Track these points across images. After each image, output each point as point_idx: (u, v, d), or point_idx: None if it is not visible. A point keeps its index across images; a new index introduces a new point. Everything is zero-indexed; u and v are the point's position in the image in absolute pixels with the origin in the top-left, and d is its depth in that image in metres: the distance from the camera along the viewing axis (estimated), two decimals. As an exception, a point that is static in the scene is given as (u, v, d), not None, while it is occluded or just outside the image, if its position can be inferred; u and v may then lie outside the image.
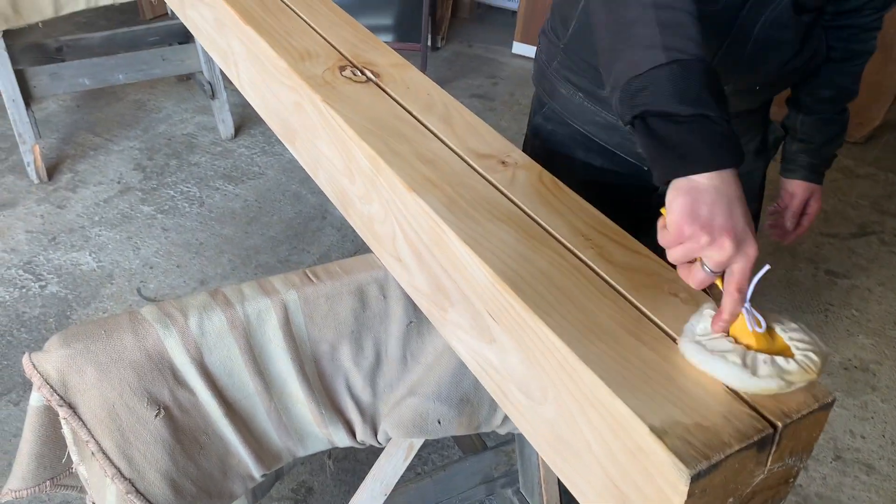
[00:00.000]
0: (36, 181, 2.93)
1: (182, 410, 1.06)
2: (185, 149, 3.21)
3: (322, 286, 1.10)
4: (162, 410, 1.04)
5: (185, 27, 1.69)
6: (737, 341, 0.75)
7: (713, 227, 0.76)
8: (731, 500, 0.69)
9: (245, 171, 3.08)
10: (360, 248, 2.70)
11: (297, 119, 1.20)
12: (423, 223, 0.93)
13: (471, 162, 1.00)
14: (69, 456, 1.05)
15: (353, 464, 1.96)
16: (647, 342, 0.75)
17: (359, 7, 3.97)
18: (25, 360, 0.98)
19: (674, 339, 0.76)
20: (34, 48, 2.99)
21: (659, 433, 0.65)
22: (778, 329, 0.76)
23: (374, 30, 4.13)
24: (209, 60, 3.10)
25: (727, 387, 0.71)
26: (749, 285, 0.76)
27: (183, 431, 1.07)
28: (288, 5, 1.33)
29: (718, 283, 0.79)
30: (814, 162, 1.46)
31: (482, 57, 4.28)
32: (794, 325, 0.77)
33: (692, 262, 0.80)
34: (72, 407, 0.99)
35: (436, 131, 1.05)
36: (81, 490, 1.11)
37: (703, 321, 0.77)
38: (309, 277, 1.10)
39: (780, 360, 0.71)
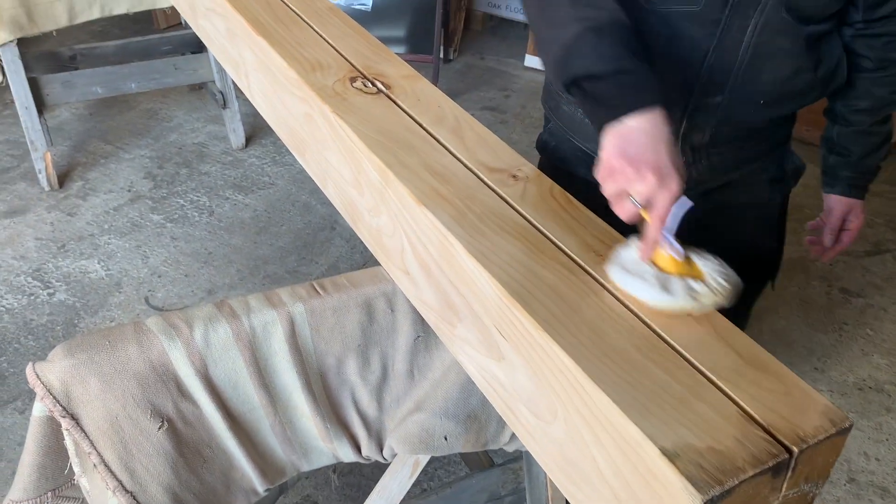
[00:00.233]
0: (47, 188, 2.93)
1: (186, 423, 1.05)
2: (196, 158, 3.21)
3: (329, 299, 1.08)
4: (165, 423, 1.02)
5: (197, 37, 1.69)
6: (659, 268, 0.83)
7: (638, 162, 0.86)
8: (744, 526, 0.67)
9: (255, 181, 3.08)
10: (369, 259, 2.70)
11: (306, 130, 1.19)
12: (431, 237, 0.92)
13: (481, 175, 0.98)
14: (71, 467, 1.04)
15: (359, 478, 1.95)
16: (659, 362, 0.73)
17: (371, 19, 3.97)
18: (29, 369, 0.97)
19: (687, 361, 0.74)
20: (48, 56, 3.00)
21: (671, 456, 0.64)
22: (696, 259, 0.85)
23: (387, 41, 4.13)
24: (221, 70, 3.11)
25: (645, 304, 0.79)
26: (669, 217, 0.84)
27: (186, 444, 1.06)
28: (300, 16, 1.32)
29: (647, 217, 0.86)
30: (852, 175, 1.39)
31: (494, 69, 4.28)
32: (711, 257, 0.86)
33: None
34: (74, 418, 0.98)
35: (446, 144, 1.03)
36: (83, 502, 1.10)
37: (630, 250, 0.86)
38: (316, 290, 1.09)
39: (692, 281, 0.81)
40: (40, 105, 2.83)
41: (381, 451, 1.20)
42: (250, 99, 1.43)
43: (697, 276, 0.83)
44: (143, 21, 4.15)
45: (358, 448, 1.19)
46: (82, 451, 1.01)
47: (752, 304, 1.53)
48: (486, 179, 0.98)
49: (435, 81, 3.88)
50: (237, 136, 3.27)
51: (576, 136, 1.37)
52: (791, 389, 0.71)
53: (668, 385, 0.71)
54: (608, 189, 0.90)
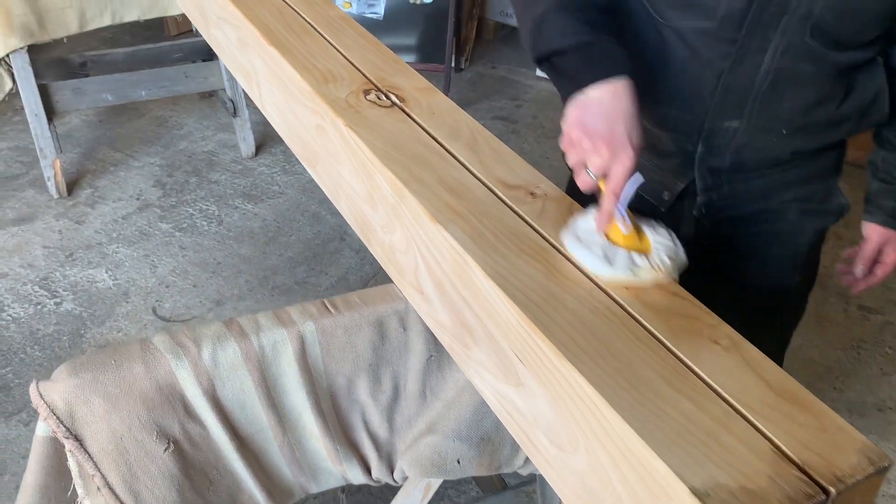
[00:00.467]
0: (55, 196, 2.92)
1: (192, 444, 1.02)
2: (206, 166, 3.19)
3: (340, 317, 1.06)
4: (171, 444, 1.00)
5: (208, 44, 1.67)
6: (609, 238, 0.87)
7: (594, 134, 0.89)
8: (777, 569, 0.64)
9: (265, 190, 3.06)
10: (379, 271, 2.67)
11: (319, 142, 1.17)
12: (447, 255, 0.89)
13: (498, 192, 0.96)
14: (75, 489, 1.01)
15: (367, 497, 1.91)
16: (687, 393, 0.70)
17: (383, 27, 3.96)
18: (32, 389, 0.95)
19: (716, 391, 0.71)
20: (58, 63, 2.98)
21: (700, 496, 0.61)
22: (648, 232, 0.89)
23: (398, 50, 4.11)
24: (232, 78, 3.09)
25: (588, 272, 0.83)
26: (622, 189, 0.86)
27: (192, 466, 1.03)
28: (312, 26, 1.30)
29: (602, 188, 0.89)
30: (894, 205, 1.26)
31: (506, 79, 4.25)
32: (664, 232, 0.89)
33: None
34: (78, 439, 0.95)
35: (462, 159, 1.01)
36: (86, 524, 1.08)
37: (586, 220, 0.89)
38: (327, 308, 1.06)
39: (636, 255, 0.84)
40: (50, 112, 2.81)
41: (392, 473, 1.17)
42: (262, 110, 1.41)
43: (644, 251, 0.86)
44: (154, 27, 4.14)
45: (368, 470, 1.16)
46: (86, 472, 0.98)
47: (785, 339, 1.41)
48: (503, 196, 0.95)
49: (446, 91, 3.86)
50: (247, 144, 3.25)
51: None
52: (826, 424, 0.68)
53: (697, 417, 0.68)
54: (570, 159, 0.93)
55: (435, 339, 1.08)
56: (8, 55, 2.65)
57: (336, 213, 2.86)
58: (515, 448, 1.17)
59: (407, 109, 1.10)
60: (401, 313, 1.09)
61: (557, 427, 0.77)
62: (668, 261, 0.85)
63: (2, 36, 2.60)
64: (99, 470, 0.97)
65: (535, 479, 1.47)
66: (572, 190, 0.98)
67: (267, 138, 3.37)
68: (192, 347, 0.99)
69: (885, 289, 2.79)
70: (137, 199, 2.96)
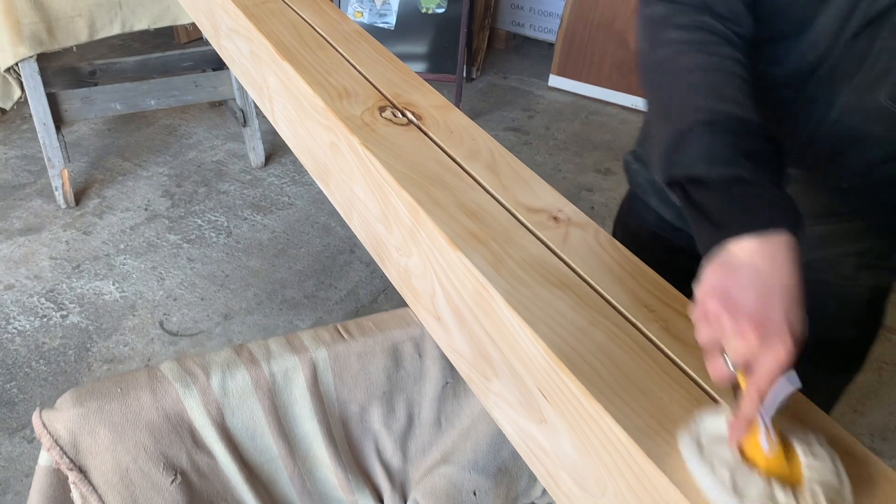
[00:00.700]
0: (63, 206, 2.89)
1: (200, 475, 0.98)
2: (215, 176, 3.17)
3: (354, 343, 1.02)
4: (179, 476, 0.96)
5: (218, 53, 1.64)
6: (744, 454, 0.64)
7: (740, 311, 0.67)
8: None
9: (274, 201, 3.03)
10: (388, 286, 2.63)
11: (332, 160, 1.13)
12: (466, 283, 0.85)
13: (519, 216, 0.92)
14: (77, 520, 0.97)
15: (377, 515, 1.87)
16: (725, 438, 0.66)
17: (395, 37, 3.93)
18: (35, 418, 0.91)
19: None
20: (67, 71, 2.96)
21: (743, 553, 0.57)
22: (799, 450, 0.64)
23: (409, 59, 4.10)
24: (242, 88, 3.06)
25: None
26: (770, 392, 0.64)
27: (200, 497, 0.99)
28: (326, 40, 1.27)
29: (742, 384, 0.67)
30: None
31: (518, 89, 4.21)
32: (822, 452, 0.64)
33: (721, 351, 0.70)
34: (82, 471, 0.92)
35: (481, 181, 0.97)
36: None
37: (716, 420, 0.67)
38: (340, 333, 1.03)
39: (777, 487, 0.61)
40: (58, 121, 2.79)
41: (405, 503, 1.13)
42: (273, 124, 1.38)
43: (792, 481, 0.62)
44: (163, 35, 4.12)
45: (380, 500, 1.12)
46: (89, 504, 0.95)
47: (833, 391, 1.34)
48: (524, 221, 0.91)
49: (458, 101, 3.83)
50: (257, 154, 3.23)
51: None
52: (871, 472, 0.64)
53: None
54: (700, 335, 0.71)
55: (451, 365, 1.04)
56: (17, 63, 2.63)
57: (345, 226, 2.83)
58: (533, 478, 1.13)
59: (424, 127, 1.06)
60: (416, 339, 1.05)
61: (583, 468, 0.73)
62: (824, 502, 0.61)
63: (11, 44, 2.58)
64: (103, 502, 0.93)
65: (551, 507, 1.43)
66: (621, 225, 0.89)
67: (277, 148, 3.35)
68: (201, 375, 0.95)
69: (905, 307, 2.74)
70: (145, 209, 2.93)
